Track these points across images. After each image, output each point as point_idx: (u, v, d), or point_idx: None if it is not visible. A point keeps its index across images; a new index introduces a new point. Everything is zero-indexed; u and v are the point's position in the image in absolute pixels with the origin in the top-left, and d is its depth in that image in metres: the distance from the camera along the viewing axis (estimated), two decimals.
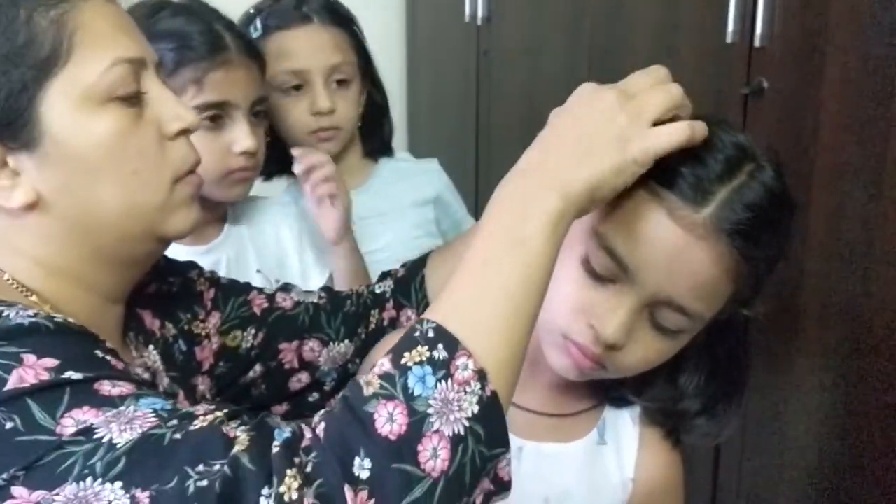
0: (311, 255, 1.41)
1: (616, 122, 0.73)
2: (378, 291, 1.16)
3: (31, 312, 0.71)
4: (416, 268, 1.17)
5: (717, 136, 0.80)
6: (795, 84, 1.34)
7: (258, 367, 1.06)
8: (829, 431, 1.37)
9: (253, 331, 1.05)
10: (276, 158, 1.46)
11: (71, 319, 0.73)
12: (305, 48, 1.42)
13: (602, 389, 0.93)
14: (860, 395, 1.30)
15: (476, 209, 1.98)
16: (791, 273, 1.38)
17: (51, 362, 0.66)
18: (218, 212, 1.34)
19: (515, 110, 2.19)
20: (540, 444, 0.92)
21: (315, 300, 1.11)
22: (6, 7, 0.74)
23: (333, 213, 1.36)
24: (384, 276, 1.20)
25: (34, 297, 0.78)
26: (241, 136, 1.22)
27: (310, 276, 1.40)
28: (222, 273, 1.31)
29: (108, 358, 0.72)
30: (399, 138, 2.95)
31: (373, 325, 1.13)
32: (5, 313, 0.70)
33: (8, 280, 0.78)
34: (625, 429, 0.94)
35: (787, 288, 1.39)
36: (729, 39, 1.40)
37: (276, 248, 1.38)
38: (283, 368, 1.08)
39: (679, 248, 0.77)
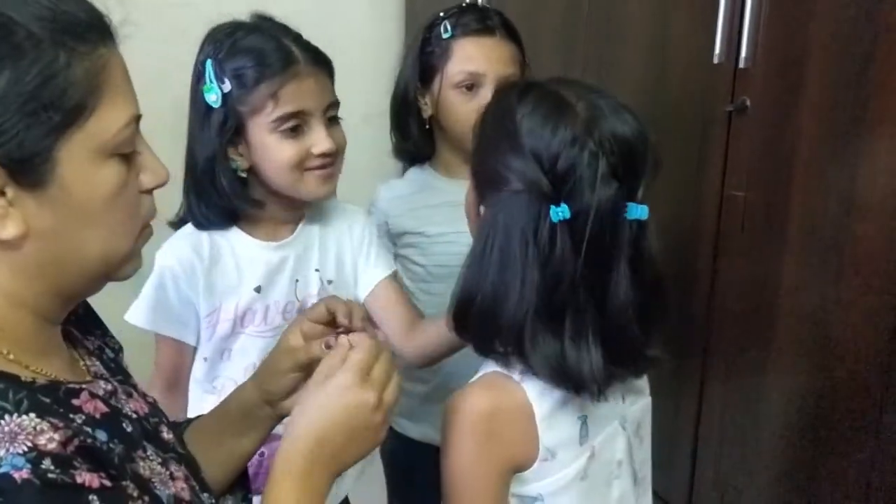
0: (374, 254, 1.50)
1: (376, 424, 0.94)
2: None
3: (24, 456, 0.70)
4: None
5: None
6: (776, 104, 1.43)
7: None
8: (802, 428, 1.45)
9: None
10: (427, 148, 1.67)
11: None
12: (486, 55, 1.58)
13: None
14: (830, 394, 1.38)
15: None
16: (768, 280, 1.47)
17: None
18: (296, 213, 1.42)
19: None
20: None
21: None
22: (49, 47, 0.74)
23: None
24: None
25: None
26: (319, 138, 1.32)
27: (361, 280, 1.50)
28: (287, 270, 1.40)
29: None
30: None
31: None
32: None
33: None
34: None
35: (765, 293, 1.48)
36: (716, 60, 1.48)
37: (336, 249, 1.47)
38: None
39: None
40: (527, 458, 1.08)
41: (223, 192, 1.30)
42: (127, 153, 0.82)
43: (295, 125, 1.30)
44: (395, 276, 1.52)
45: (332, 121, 1.36)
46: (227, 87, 1.28)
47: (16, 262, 0.79)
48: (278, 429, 1.29)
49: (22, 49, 0.72)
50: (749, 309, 1.52)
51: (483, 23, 1.59)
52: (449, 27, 1.60)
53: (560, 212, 0.99)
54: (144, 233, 0.88)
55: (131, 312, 1.37)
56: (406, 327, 1.45)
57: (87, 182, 0.78)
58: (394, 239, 1.75)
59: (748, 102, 1.47)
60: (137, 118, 0.83)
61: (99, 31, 0.79)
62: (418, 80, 1.64)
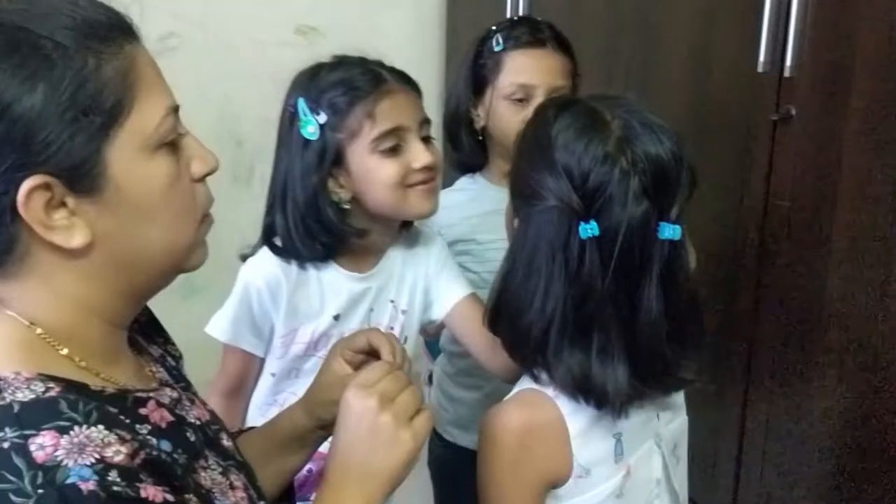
0: (451, 275, 1.50)
1: (385, 426, 0.92)
2: None
3: (92, 468, 0.70)
4: None
5: None
6: (822, 112, 1.42)
7: None
8: (848, 444, 1.43)
9: None
10: (479, 158, 1.70)
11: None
12: (537, 67, 1.59)
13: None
14: (878, 404, 1.36)
15: None
16: (813, 291, 1.46)
17: None
18: (393, 240, 1.44)
19: None
20: None
21: None
22: (77, 54, 0.75)
23: None
24: None
25: (65, 351, 0.80)
26: (418, 153, 1.33)
27: (439, 299, 1.49)
28: (366, 301, 1.42)
29: None
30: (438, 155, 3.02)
31: None
32: (64, 462, 0.69)
33: (42, 334, 0.79)
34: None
35: (810, 304, 1.47)
36: (760, 69, 1.47)
37: (413, 277, 1.47)
38: None
39: None
40: (561, 475, 1.08)
41: (330, 226, 1.32)
42: (173, 145, 0.83)
43: (394, 144, 1.31)
44: (475, 296, 1.49)
45: (426, 140, 1.37)
46: (323, 117, 1.30)
47: (85, 270, 0.80)
48: (324, 445, 1.31)
49: (51, 60, 0.74)
50: (794, 320, 1.51)
51: (534, 35, 1.61)
52: (500, 40, 1.62)
53: (589, 228, 1.00)
54: (206, 221, 0.89)
55: (212, 325, 1.39)
56: (490, 344, 1.44)
57: (140, 179, 0.79)
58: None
59: (793, 111, 1.46)
60: (175, 108, 0.83)
61: (121, 30, 0.80)
62: (471, 91, 1.66)
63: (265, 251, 1.38)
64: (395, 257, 1.45)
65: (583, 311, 1.02)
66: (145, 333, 0.98)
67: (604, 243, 1.00)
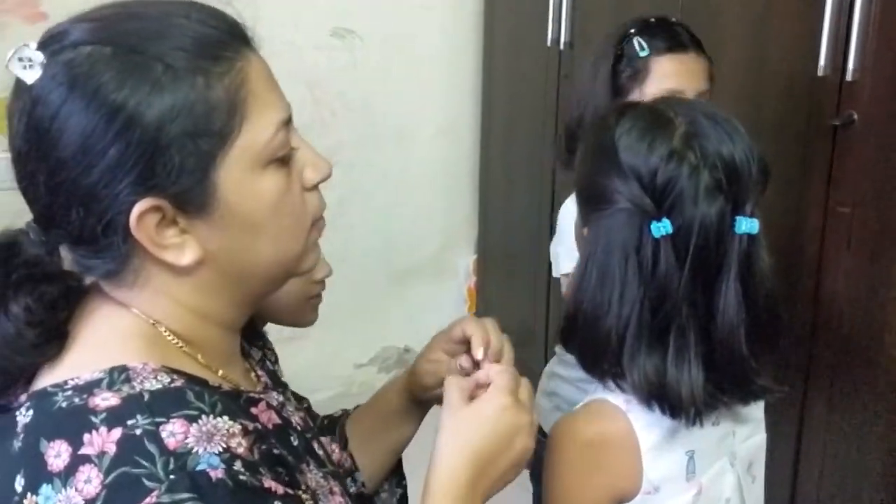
0: None
1: (529, 445, 0.93)
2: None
3: (220, 456, 0.72)
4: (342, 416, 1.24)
5: None
6: (886, 118, 1.38)
7: None
8: None
9: None
10: None
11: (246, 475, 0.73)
12: (685, 72, 1.52)
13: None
14: None
15: (551, 233, 2.03)
16: (875, 301, 1.42)
17: None
18: None
19: None
20: None
21: None
22: (187, 75, 0.75)
23: None
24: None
25: (187, 348, 0.82)
26: (321, 265, 1.17)
27: None
28: None
29: None
30: (472, 160, 3.00)
31: None
32: (195, 450, 0.71)
33: (165, 332, 0.82)
34: None
35: (872, 314, 1.43)
36: (820, 73, 1.44)
37: None
38: None
39: None
40: (629, 490, 1.05)
41: None
42: (283, 157, 0.82)
43: None
44: None
45: None
46: None
47: (198, 283, 0.82)
48: None
49: (160, 85, 0.74)
50: (854, 330, 1.47)
51: (677, 39, 1.55)
52: (644, 45, 1.54)
53: (662, 227, 0.97)
54: (317, 225, 0.88)
55: None
56: None
57: (250, 196, 0.80)
58: None
59: (855, 116, 1.42)
60: (287, 120, 0.82)
61: (235, 44, 0.80)
62: (610, 97, 1.56)
63: None
64: None
65: (659, 314, 1.00)
66: (245, 336, 0.99)
67: (678, 241, 0.97)
